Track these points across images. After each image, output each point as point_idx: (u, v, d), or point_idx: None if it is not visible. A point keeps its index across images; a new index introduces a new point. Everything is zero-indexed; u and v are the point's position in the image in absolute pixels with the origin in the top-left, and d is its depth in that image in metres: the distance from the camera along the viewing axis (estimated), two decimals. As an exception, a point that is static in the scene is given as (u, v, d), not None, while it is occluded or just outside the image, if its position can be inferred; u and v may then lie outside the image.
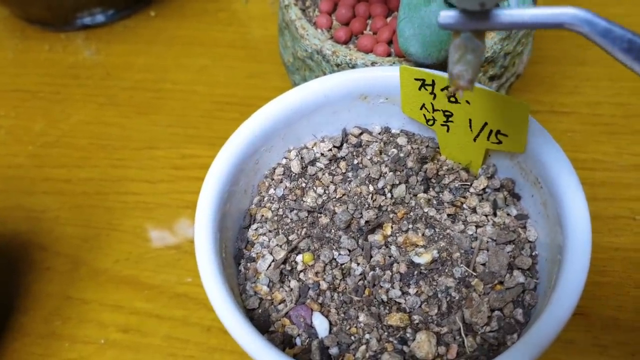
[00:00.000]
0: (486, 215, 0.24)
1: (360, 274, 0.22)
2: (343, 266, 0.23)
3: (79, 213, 0.36)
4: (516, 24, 0.16)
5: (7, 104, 0.42)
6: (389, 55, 0.28)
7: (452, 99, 0.23)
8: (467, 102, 0.23)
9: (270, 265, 0.23)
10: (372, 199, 0.24)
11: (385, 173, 0.25)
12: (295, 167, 0.25)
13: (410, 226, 0.23)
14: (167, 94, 0.42)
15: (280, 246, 0.23)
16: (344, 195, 0.25)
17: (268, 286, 0.22)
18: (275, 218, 0.24)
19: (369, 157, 0.25)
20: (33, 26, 0.46)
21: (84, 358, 0.31)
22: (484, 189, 0.24)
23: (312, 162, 0.26)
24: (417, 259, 0.22)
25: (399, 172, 0.25)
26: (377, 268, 0.22)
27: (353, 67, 0.28)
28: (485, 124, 0.23)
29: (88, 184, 0.37)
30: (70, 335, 0.31)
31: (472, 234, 0.23)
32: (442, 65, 0.28)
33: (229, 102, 0.41)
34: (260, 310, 0.22)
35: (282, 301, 0.22)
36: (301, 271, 0.23)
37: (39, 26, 0.46)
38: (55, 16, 0.45)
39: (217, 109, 0.41)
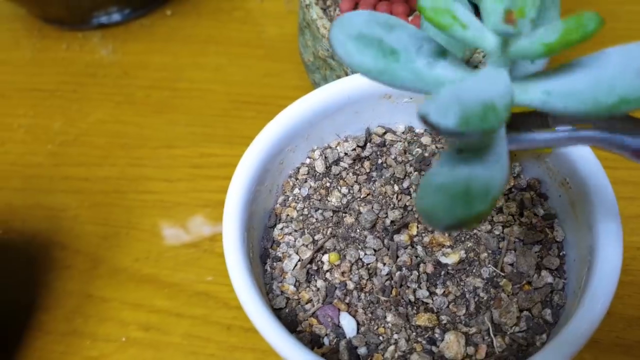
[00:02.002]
0: (512, 215, 0.23)
1: (387, 274, 0.22)
2: (369, 266, 0.23)
3: (98, 212, 0.36)
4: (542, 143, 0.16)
5: (25, 103, 0.42)
6: (411, 54, 0.28)
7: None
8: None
9: (296, 265, 0.23)
10: (397, 198, 0.24)
11: (410, 172, 0.25)
12: (320, 166, 0.25)
13: (437, 226, 0.23)
14: (184, 92, 0.42)
15: (306, 246, 0.23)
16: (368, 194, 0.24)
17: (295, 286, 0.22)
18: (301, 217, 0.24)
19: (393, 157, 0.25)
20: (50, 25, 0.47)
21: (105, 356, 0.31)
22: (510, 189, 0.24)
23: (336, 162, 0.26)
24: (444, 259, 0.22)
25: (423, 172, 0.24)
26: (404, 268, 0.22)
27: (375, 66, 0.28)
28: (513, 123, 0.22)
29: (107, 183, 0.38)
30: (91, 333, 0.32)
31: (499, 234, 0.23)
32: (467, 63, 0.27)
33: (245, 101, 0.41)
34: (287, 310, 0.22)
35: (309, 301, 0.22)
36: (327, 271, 0.23)
37: (56, 25, 0.46)
38: (73, 15, 0.45)
39: (234, 108, 0.41)
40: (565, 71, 0.14)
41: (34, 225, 0.36)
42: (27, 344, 0.31)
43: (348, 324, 0.21)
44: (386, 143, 0.26)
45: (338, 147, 0.26)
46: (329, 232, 0.23)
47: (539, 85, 0.14)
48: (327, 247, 0.23)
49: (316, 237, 0.23)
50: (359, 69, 0.15)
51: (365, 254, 0.23)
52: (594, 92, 0.13)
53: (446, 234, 0.23)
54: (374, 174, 0.25)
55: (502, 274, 0.22)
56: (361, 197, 0.24)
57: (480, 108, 0.12)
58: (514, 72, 0.14)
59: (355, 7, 0.31)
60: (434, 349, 0.20)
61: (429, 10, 0.14)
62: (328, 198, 0.24)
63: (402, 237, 0.23)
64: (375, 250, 0.23)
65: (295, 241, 0.23)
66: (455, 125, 0.12)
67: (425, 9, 0.14)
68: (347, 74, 0.29)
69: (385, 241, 0.23)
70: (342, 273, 0.22)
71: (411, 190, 0.24)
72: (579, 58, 0.14)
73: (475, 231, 0.23)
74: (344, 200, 0.24)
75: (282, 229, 0.24)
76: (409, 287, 0.22)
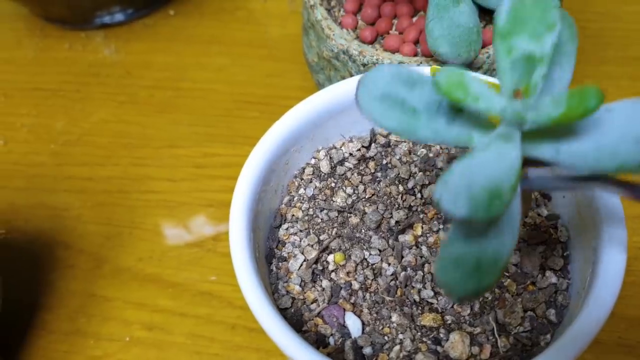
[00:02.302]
0: (517, 216, 0.24)
1: (392, 274, 0.22)
2: (374, 266, 0.23)
3: (101, 211, 0.36)
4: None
5: (28, 103, 0.42)
6: (415, 55, 0.28)
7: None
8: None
9: (302, 265, 0.23)
10: (402, 199, 0.24)
11: (415, 173, 0.25)
12: (325, 167, 0.25)
13: (441, 226, 0.23)
14: (187, 92, 0.42)
15: (312, 246, 0.23)
16: (373, 195, 0.25)
17: (300, 285, 0.22)
18: (306, 218, 0.24)
19: (398, 157, 0.25)
20: (52, 25, 0.47)
21: (109, 355, 0.31)
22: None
23: (341, 162, 0.26)
24: (448, 260, 0.22)
25: (428, 172, 0.25)
26: (409, 268, 0.22)
27: (380, 67, 0.28)
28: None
29: (110, 183, 0.38)
30: (95, 333, 0.32)
31: (503, 235, 0.23)
32: (470, 66, 0.28)
33: (248, 101, 0.41)
34: (292, 310, 0.22)
35: (315, 301, 0.22)
36: (333, 271, 0.23)
37: (59, 25, 0.46)
38: (75, 15, 0.45)
39: (237, 108, 0.41)
40: (574, 131, 0.15)
41: (37, 224, 0.36)
42: (30, 343, 0.32)
43: (353, 323, 0.21)
44: (391, 143, 0.26)
45: (343, 148, 0.26)
46: (334, 232, 0.24)
47: (549, 143, 0.15)
48: (333, 247, 0.23)
49: (321, 237, 0.23)
50: (385, 128, 0.16)
51: (370, 254, 0.23)
52: (598, 155, 0.14)
53: (451, 235, 0.23)
54: (379, 174, 0.25)
55: (507, 274, 0.22)
56: (366, 197, 0.24)
57: (487, 196, 0.14)
58: (526, 126, 0.15)
59: (360, 7, 0.31)
60: (438, 348, 0.21)
61: (444, 85, 0.15)
62: (333, 198, 0.25)
63: (407, 238, 0.23)
64: (380, 251, 0.23)
65: (300, 241, 0.24)
66: (465, 214, 0.13)
67: (440, 84, 0.15)
68: (351, 75, 0.29)
69: (390, 241, 0.23)
70: (348, 273, 0.22)
71: (416, 190, 0.24)
72: (587, 119, 0.15)
73: (479, 232, 0.23)
74: (349, 201, 0.24)
75: (287, 229, 0.24)
76: (413, 287, 0.22)
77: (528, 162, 0.16)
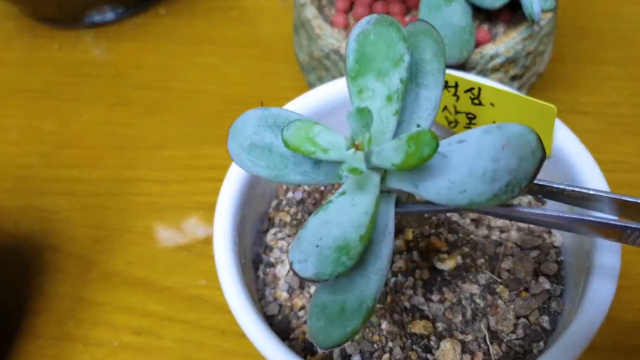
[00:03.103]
0: (510, 220, 0.23)
1: (382, 280, 0.22)
2: (364, 272, 0.22)
3: (91, 214, 0.36)
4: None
5: (17, 104, 0.42)
6: (407, 54, 0.28)
7: (476, 102, 0.22)
8: (492, 104, 0.22)
9: (289, 271, 0.22)
10: (392, 202, 0.24)
11: (406, 176, 0.24)
12: (314, 169, 0.25)
13: (433, 231, 0.23)
14: (178, 93, 0.41)
15: (300, 251, 0.23)
16: (363, 198, 0.24)
17: (288, 292, 0.22)
18: (294, 222, 0.24)
19: (388, 160, 0.25)
20: (42, 24, 0.46)
21: (97, 361, 0.31)
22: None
23: (331, 165, 0.25)
24: (440, 265, 0.22)
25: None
26: (399, 274, 0.22)
27: (371, 67, 0.27)
28: (510, 126, 0.22)
29: (99, 185, 0.37)
30: (84, 338, 0.31)
31: (496, 239, 0.23)
32: (463, 66, 0.27)
33: (241, 101, 0.40)
34: (280, 317, 0.21)
35: (303, 308, 0.22)
36: (321, 277, 0.22)
37: (49, 24, 0.46)
38: (65, 14, 0.44)
39: (229, 109, 0.40)
40: (428, 166, 0.15)
41: (26, 227, 0.36)
42: (18, 347, 0.31)
43: (342, 331, 0.21)
44: (382, 146, 0.25)
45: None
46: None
47: (408, 178, 0.15)
48: (321, 253, 0.23)
49: (310, 242, 0.23)
50: (258, 175, 0.17)
51: (360, 260, 0.22)
52: (449, 193, 0.14)
53: (442, 239, 0.23)
54: (369, 177, 0.25)
55: (499, 280, 0.22)
56: (356, 201, 0.24)
57: (335, 253, 0.14)
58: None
59: (351, 6, 0.31)
60: (429, 356, 0.20)
61: (292, 141, 0.15)
62: (322, 202, 0.24)
63: (398, 242, 0.23)
64: (370, 256, 0.22)
65: (288, 246, 0.23)
66: (313, 275, 0.14)
67: (287, 141, 0.15)
68: (342, 75, 0.29)
69: (380, 246, 0.23)
70: (336, 279, 0.22)
71: (407, 194, 0.24)
72: (441, 152, 0.15)
73: (471, 236, 0.23)
74: (339, 204, 0.24)
75: (275, 234, 0.24)
76: (404, 293, 0.21)
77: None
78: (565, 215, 0.16)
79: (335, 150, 0.15)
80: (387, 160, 0.14)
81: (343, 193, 0.15)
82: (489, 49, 0.27)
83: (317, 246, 0.14)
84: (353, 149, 0.14)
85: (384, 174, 0.15)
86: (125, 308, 0.32)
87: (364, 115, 0.14)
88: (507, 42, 0.27)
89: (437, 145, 0.13)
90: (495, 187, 0.13)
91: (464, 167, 0.14)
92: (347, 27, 0.30)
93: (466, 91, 0.22)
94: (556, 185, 0.17)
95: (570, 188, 0.16)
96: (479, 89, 0.22)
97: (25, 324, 0.32)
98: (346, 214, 0.14)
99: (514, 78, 0.29)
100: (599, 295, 0.19)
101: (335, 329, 0.14)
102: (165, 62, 0.43)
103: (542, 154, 0.13)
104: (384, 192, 0.15)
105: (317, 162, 0.16)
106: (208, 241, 0.34)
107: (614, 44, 0.41)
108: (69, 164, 0.38)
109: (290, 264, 0.14)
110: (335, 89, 0.24)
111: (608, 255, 0.19)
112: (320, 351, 0.21)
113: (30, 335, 0.31)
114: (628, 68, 0.40)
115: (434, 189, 0.14)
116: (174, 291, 0.32)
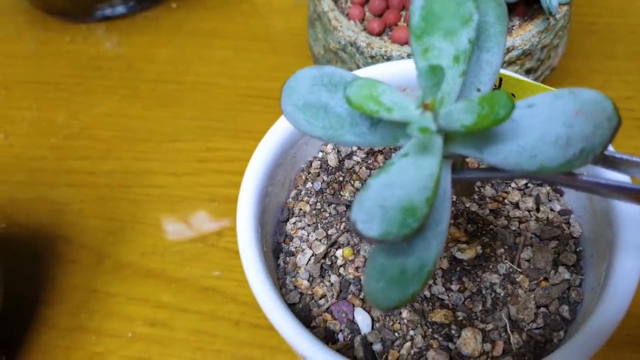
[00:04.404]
0: (529, 211, 0.23)
1: (402, 269, 0.22)
2: (383, 261, 0.22)
3: (103, 206, 0.36)
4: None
5: (29, 96, 0.42)
6: (424, 47, 0.28)
7: (497, 92, 0.22)
8: (512, 94, 0.22)
9: (310, 260, 0.22)
10: (411, 193, 0.24)
11: (425, 167, 0.24)
12: (332, 160, 0.25)
13: (452, 221, 0.23)
14: (190, 86, 0.41)
15: (320, 240, 0.23)
16: (382, 189, 0.24)
17: (308, 280, 0.22)
18: (314, 212, 0.24)
19: (407, 151, 0.25)
20: (53, 18, 0.46)
21: (111, 351, 0.31)
22: (526, 184, 0.24)
23: (349, 156, 0.25)
24: (459, 255, 0.22)
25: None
26: (419, 263, 0.22)
27: (388, 59, 0.27)
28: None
29: (111, 177, 0.37)
30: (97, 329, 0.31)
31: (515, 230, 0.23)
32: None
33: (252, 94, 0.41)
34: (301, 305, 0.22)
35: (323, 296, 0.22)
36: (341, 266, 0.22)
37: (60, 17, 0.46)
38: (76, 7, 0.44)
39: (241, 102, 0.40)
40: (498, 132, 0.14)
41: (38, 219, 0.36)
42: (31, 338, 0.31)
43: (363, 319, 0.21)
44: (399, 137, 0.26)
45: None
46: (342, 226, 0.23)
47: (473, 142, 0.15)
48: (341, 242, 0.23)
49: (330, 232, 0.23)
50: (312, 136, 0.16)
51: (380, 249, 0.22)
52: (518, 158, 0.14)
53: (462, 230, 0.23)
54: (388, 168, 0.25)
55: (519, 269, 0.22)
56: (374, 191, 0.24)
57: (401, 214, 0.13)
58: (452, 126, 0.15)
59: (367, -2, 0.31)
60: (450, 345, 0.20)
61: (355, 99, 0.14)
62: (341, 192, 0.24)
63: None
64: (389, 245, 0.22)
65: (308, 235, 0.23)
66: (378, 236, 0.13)
67: (350, 99, 0.14)
68: (358, 67, 0.29)
69: (400, 236, 0.23)
70: (356, 268, 0.22)
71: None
72: (510, 119, 0.14)
73: (491, 227, 0.23)
74: (357, 195, 0.24)
75: (294, 223, 0.24)
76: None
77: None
78: (631, 187, 0.15)
79: (400, 110, 0.14)
80: (456, 121, 0.13)
81: (405, 155, 0.15)
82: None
83: (382, 207, 0.13)
84: (421, 109, 0.14)
85: (445, 137, 0.15)
86: (138, 299, 0.32)
87: (436, 73, 0.13)
88: (523, 35, 0.27)
89: (514, 107, 0.13)
90: (568, 153, 0.13)
91: (535, 132, 0.13)
92: (363, 20, 0.30)
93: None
94: (619, 156, 0.16)
95: (635, 159, 0.15)
96: (500, 79, 0.22)
97: (39, 315, 0.32)
98: (410, 176, 0.14)
99: (528, 71, 0.29)
100: (621, 286, 0.19)
101: (394, 291, 0.14)
102: (177, 55, 0.43)
103: (618, 121, 0.13)
104: (444, 156, 0.15)
105: (374, 124, 0.16)
106: (221, 233, 0.34)
107: (624, 39, 0.41)
108: (80, 156, 0.38)
109: (353, 224, 0.13)
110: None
111: (631, 244, 0.19)
112: (341, 338, 0.21)
113: (43, 327, 0.32)
114: (637, 63, 0.40)
115: (501, 153, 0.14)
116: (188, 282, 0.32)
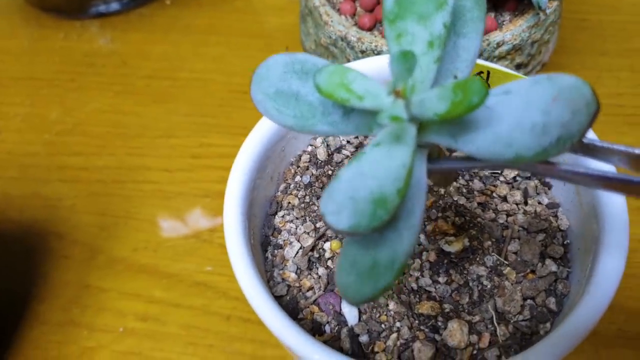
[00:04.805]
0: (517, 204, 0.23)
1: (390, 262, 0.22)
2: (371, 254, 0.22)
3: (96, 201, 0.36)
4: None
5: (22, 92, 0.42)
6: (414, 42, 0.28)
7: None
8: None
9: (297, 253, 0.22)
10: (400, 186, 0.24)
11: (413, 161, 0.24)
12: (322, 154, 0.25)
13: (440, 214, 0.23)
14: (184, 82, 0.41)
15: (308, 233, 0.23)
16: (371, 182, 0.24)
17: (296, 273, 0.22)
18: (302, 205, 0.24)
19: (396, 145, 0.25)
20: (47, 14, 0.46)
21: (102, 346, 0.31)
22: (514, 178, 0.24)
23: (339, 150, 0.25)
24: (447, 248, 0.22)
25: (427, 160, 0.24)
26: (407, 256, 0.22)
27: (378, 54, 0.27)
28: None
29: (105, 172, 0.37)
30: (89, 323, 0.31)
31: (502, 223, 0.23)
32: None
33: (246, 91, 0.40)
34: (288, 298, 0.22)
35: (311, 288, 0.22)
36: (329, 259, 0.22)
37: (54, 14, 0.46)
38: (70, 4, 0.44)
39: (235, 98, 0.40)
40: (470, 118, 0.14)
41: (31, 214, 0.36)
42: (23, 334, 0.31)
43: (350, 311, 0.21)
44: (389, 131, 0.26)
45: (340, 135, 0.25)
46: (330, 219, 0.23)
47: (447, 130, 0.14)
48: (329, 235, 0.23)
49: (318, 225, 0.23)
50: (283, 126, 0.16)
51: (368, 242, 0.22)
52: (494, 146, 0.13)
53: (450, 222, 0.23)
54: (377, 162, 0.25)
55: (506, 262, 0.22)
56: (363, 185, 0.24)
57: (371, 206, 0.13)
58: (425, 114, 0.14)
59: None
60: (436, 337, 0.20)
61: (325, 86, 0.14)
62: (330, 186, 0.24)
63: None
64: (377, 238, 0.22)
65: (296, 229, 0.23)
66: (348, 228, 0.13)
67: (320, 86, 0.14)
68: (349, 62, 0.29)
69: (388, 229, 0.23)
70: (344, 261, 0.22)
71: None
72: (485, 104, 0.14)
73: (478, 220, 0.23)
74: (346, 188, 0.24)
75: (283, 216, 0.24)
76: (411, 275, 0.22)
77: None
78: (613, 176, 0.15)
79: (371, 98, 0.14)
80: (429, 109, 0.13)
81: (378, 144, 0.14)
82: (495, 36, 0.27)
83: (352, 198, 0.13)
84: (393, 97, 0.14)
85: (419, 126, 0.15)
86: (130, 294, 0.32)
87: (407, 59, 0.13)
88: (513, 30, 0.27)
89: (487, 93, 0.12)
90: (545, 140, 0.13)
91: (511, 120, 0.13)
92: (354, 15, 0.30)
93: (476, 74, 0.22)
94: (600, 144, 0.15)
95: (616, 147, 0.15)
96: (488, 72, 0.22)
97: (30, 310, 0.32)
98: (382, 166, 0.14)
99: (519, 66, 0.29)
100: (605, 279, 0.19)
101: (366, 284, 0.14)
102: (171, 52, 0.43)
103: (596, 107, 0.12)
104: (418, 145, 0.15)
105: (347, 113, 0.15)
106: (214, 228, 0.34)
107: (615, 36, 0.42)
108: (74, 152, 0.38)
109: (323, 216, 0.13)
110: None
111: (616, 237, 0.19)
112: (328, 330, 0.21)
113: (35, 322, 0.32)
114: (629, 59, 0.40)
115: (477, 142, 0.13)
116: (180, 278, 0.32)
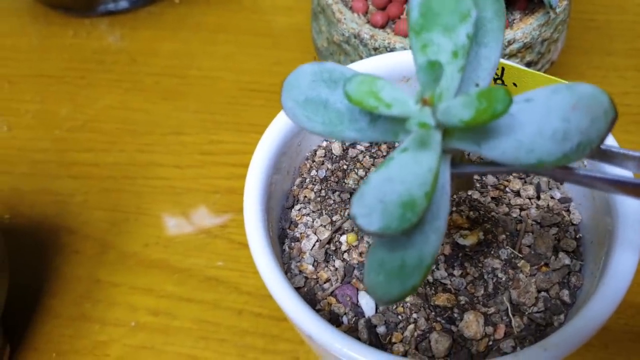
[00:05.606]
0: (530, 199, 0.24)
1: (405, 255, 0.22)
2: (387, 247, 0.23)
3: (107, 197, 0.36)
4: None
5: (32, 89, 0.42)
6: (426, 39, 0.28)
7: (499, 82, 0.23)
8: (514, 84, 0.23)
9: (314, 245, 0.23)
10: (414, 181, 0.24)
11: (427, 156, 0.25)
12: (337, 149, 0.25)
13: (454, 208, 0.23)
14: (193, 80, 0.42)
15: (324, 226, 0.23)
16: (385, 177, 0.24)
17: (313, 265, 0.22)
18: (318, 199, 0.24)
19: (409, 140, 0.25)
20: (56, 12, 0.46)
21: (114, 340, 0.31)
22: (527, 173, 0.24)
23: (353, 145, 0.26)
24: (461, 241, 0.22)
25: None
26: (422, 249, 0.22)
27: (391, 51, 0.28)
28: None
29: (115, 169, 0.37)
30: (101, 318, 0.32)
31: (516, 217, 0.23)
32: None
33: (255, 89, 0.41)
34: (305, 289, 0.22)
35: (328, 280, 0.22)
36: (345, 251, 0.23)
37: (62, 12, 0.46)
38: (79, 2, 0.45)
39: (244, 96, 0.41)
40: (496, 127, 0.15)
41: (42, 210, 0.36)
42: (35, 328, 0.31)
43: (367, 303, 0.21)
44: (402, 127, 0.26)
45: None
46: (346, 213, 0.23)
47: (471, 137, 0.15)
48: (345, 228, 0.23)
49: (334, 218, 0.23)
50: (312, 132, 0.17)
51: (383, 235, 0.23)
52: (516, 152, 0.14)
53: (464, 217, 0.23)
54: (391, 157, 0.25)
55: (520, 255, 0.22)
56: (378, 179, 0.24)
57: (400, 208, 0.14)
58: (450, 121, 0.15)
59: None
60: (453, 328, 0.21)
61: (354, 95, 0.14)
62: (345, 180, 0.24)
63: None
64: (392, 232, 0.23)
65: (313, 222, 0.23)
66: (378, 230, 0.14)
67: (350, 94, 0.14)
68: (362, 59, 0.29)
69: (403, 223, 0.23)
70: (360, 254, 0.22)
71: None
72: (508, 113, 0.14)
73: (492, 214, 0.23)
74: (361, 183, 0.24)
75: (299, 210, 0.24)
76: (427, 267, 0.22)
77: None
78: (630, 181, 0.15)
79: (399, 105, 0.14)
80: (454, 116, 0.14)
81: (405, 150, 0.15)
82: (506, 34, 0.28)
83: (381, 201, 0.14)
84: (420, 104, 0.14)
85: (444, 132, 0.15)
86: (142, 289, 0.32)
87: (435, 69, 0.14)
88: (524, 28, 0.28)
89: (511, 102, 0.13)
90: (566, 146, 0.13)
91: (533, 126, 0.14)
92: (366, 13, 0.30)
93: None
94: (617, 150, 0.16)
95: (632, 153, 0.16)
96: (502, 68, 0.22)
97: (43, 305, 0.32)
98: (410, 171, 0.14)
99: (529, 64, 0.30)
100: (620, 269, 0.19)
101: (394, 284, 0.14)
102: (181, 49, 0.43)
103: (614, 114, 0.13)
104: (443, 151, 0.15)
105: (374, 120, 0.16)
106: (225, 224, 0.34)
107: (622, 36, 0.42)
108: (84, 148, 0.39)
109: (353, 218, 0.14)
110: (357, 70, 0.24)
111: (630, 233, 0.20)
112: (346, 321, 0.21)
113: (47, 316, 0.32)
114: (635, 59, 0.40)
115: (500, 148, 0.14)
116: (191, 273, 0.33)
